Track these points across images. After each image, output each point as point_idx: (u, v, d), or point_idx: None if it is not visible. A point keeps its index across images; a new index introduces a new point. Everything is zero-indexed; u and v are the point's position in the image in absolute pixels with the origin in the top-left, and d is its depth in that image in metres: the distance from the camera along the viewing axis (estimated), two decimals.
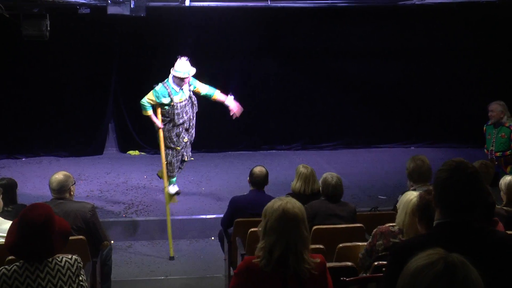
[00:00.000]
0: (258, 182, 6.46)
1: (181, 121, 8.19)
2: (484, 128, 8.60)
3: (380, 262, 4.32)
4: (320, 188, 6.05)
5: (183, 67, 7.88)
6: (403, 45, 13.33)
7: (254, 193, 6.47)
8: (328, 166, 11.67)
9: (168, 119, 8.17)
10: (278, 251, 3.34)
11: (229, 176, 11.10)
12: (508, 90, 13.06)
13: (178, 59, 7.93)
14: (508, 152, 8.07)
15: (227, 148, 13.30)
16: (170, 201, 8.35)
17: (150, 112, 8.12)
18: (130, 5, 8.80)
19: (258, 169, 6.49)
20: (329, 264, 3.72)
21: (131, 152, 13.09)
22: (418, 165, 5.85)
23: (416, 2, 11.02)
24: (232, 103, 8.43)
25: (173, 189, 8.48)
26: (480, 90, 13.32)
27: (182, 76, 7.88)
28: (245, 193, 6.79)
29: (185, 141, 8.37)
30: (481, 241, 2.81)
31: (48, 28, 8.97)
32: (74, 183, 5.78)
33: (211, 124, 11.98)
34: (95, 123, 12.93)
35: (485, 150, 8.49)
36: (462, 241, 2.76)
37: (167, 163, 8.31)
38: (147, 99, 8.06)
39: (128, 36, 12.50)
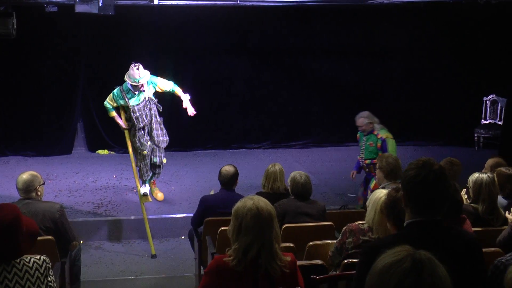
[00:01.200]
0: (226, 181, 6.46)
1: (141, 124, 8.36)
2: (358, 135, 8.56)
3: (350, 260, 4.35)
4: (289, 186, 6.06)
5: (134, 74, 8.03)
6: (372, 44, 13.43)
7: (224, 192, 6.47)
8: (298, 164, 11.72)
9: (131, 123, 8.37)
10: (254, 251, 3.34)
11: (198, 175, 11.07)
12: (474, 88, 13.28)
13: (131, 65, 8.04)
14: (376, 160, 7.78)
15: (196, 147, 13.26)
16: (143, 200, 8.36)
17: (113, 113, 8.41)
18: (99, 4, 8.74)
19: (225, 168, 6.49)
20: (299, 263, 3.74)
21: (100, 152, 12.98)
22: (391, 163, 6.05)
23: (384, 1, 11.10)
24: (187, 103, 8.43)
25: (144, 189, 8.52)
26: (447, 88, 13.49)
27: (132, 83, 8.07)
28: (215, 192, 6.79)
29: (148, 144, 8.44)
30: (449, 241, 2.86)
31: (15, 27, 8.88)
32: (43, 184, 5.71)
33: (180, 122, 11.96)
34: (64, 122, 12.78)
35: (358, 157, 8.45)
36: (432, 240, 2.80)
37: (137, 168, 8.53)
38: (108, 101, 8.35)
39: (97, 35, 12.39)
